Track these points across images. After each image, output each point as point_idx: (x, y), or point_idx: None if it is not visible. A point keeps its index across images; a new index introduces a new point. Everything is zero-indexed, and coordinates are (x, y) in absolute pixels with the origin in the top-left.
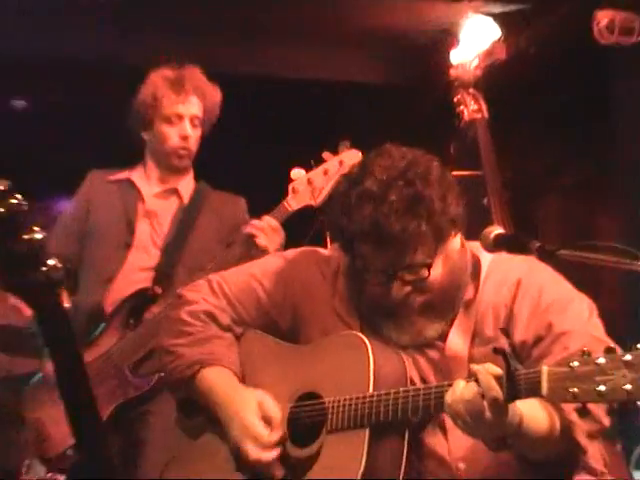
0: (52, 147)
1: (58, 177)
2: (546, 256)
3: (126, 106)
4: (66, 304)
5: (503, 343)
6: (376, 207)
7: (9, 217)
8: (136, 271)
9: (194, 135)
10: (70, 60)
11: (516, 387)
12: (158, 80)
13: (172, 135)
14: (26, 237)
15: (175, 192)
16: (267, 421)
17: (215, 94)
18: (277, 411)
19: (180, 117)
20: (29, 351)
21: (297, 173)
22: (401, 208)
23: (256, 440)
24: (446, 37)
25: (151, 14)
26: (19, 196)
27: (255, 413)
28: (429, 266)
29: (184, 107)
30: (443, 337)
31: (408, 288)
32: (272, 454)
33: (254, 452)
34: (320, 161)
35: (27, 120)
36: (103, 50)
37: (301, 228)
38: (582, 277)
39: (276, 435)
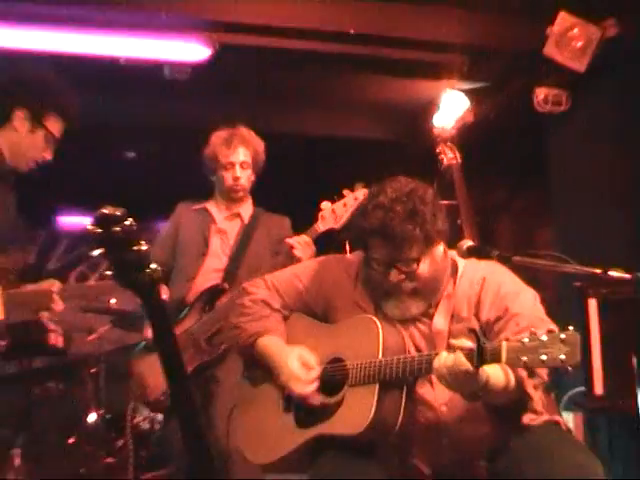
0: (152, 184)
1: (156, 205)
2: (503, 261)
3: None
4: (164, 295)
5: (474, 322)
6: (385, 214)
7: (123, 234)
8: (211, 272)
9: (244, 175)
10: (165, 124)
11: (483, 357)
12: (215, 140)
13: (228, 178)
14: (135, 248)
15: (238, 215)
16: (306, 366)
17: (258, 143)
18: (312, 357)
19: (232, 164)
20: (137, 327)
21: (325, 205)
22: (402, 216)
23: (299, 379)
24: (430, 106)
25: (215, 92)
26: (130, 219)
27: (297, 361)
28: (418, 261)
29: (234, 156)
30: (430, 317)
31: (402, 276)
32: (311, 387)
33: (298, 388)
34: (341, 197)
35: (135, 166)
36: (188, 117)
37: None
38: (528, 275)
39: (313, 374)
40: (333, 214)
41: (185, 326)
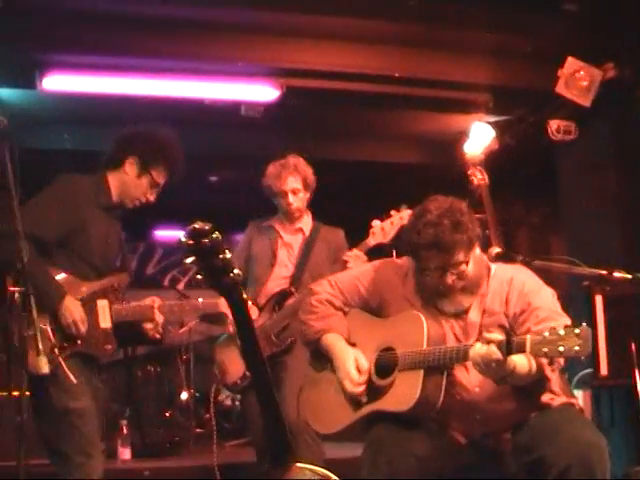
0: (230, 203)
1: (233, 220)
2: (525, 264)
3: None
4: (244, 295)
5: (502, 317)
6: (436, 229)
7: (211, 245)
8: (279, 279)
9: (296, 199)
10: (241, 153)
11: (511, 348)
12: (268, 173)
13: (283, 204)
14: (221, 256)
15: (300, 230)
16: (359, 369)
17: (306, 169)
18: (365, 363)
19: (285, 192)
20: (220, 322)
21: (375, 223)
22: (451, 228)
23: (351, 380)
24: (462, 136)
25: (283, 126)
26: (216, 232)
27: (352, 364)
28: (466, 263)
29: (284, 186)
30: (466, 312)
31: (454, 277)
32: (360, 389)
33: (350, 387)
34: (389, 216)
35: (216, 188)
36: (260, 147)
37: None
38: (545, 276)
39: (363, 378)
40: (382, 231)
41: (258, 323)
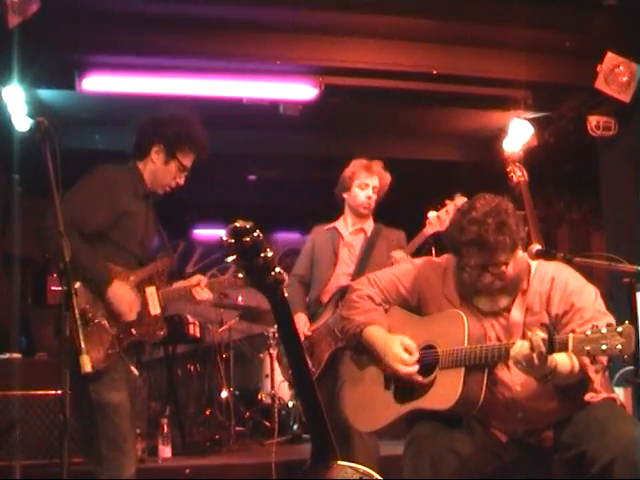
0: (269, 201)
1: (277, 220)
2: (566, 262)
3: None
4: (285, 294)
5: (544, 316)
6: (480, 227)
7: (252, 244)
8: (341, 277)
9: (373, 197)
10: (280, 152)
11: (553, 346)
12: (357, 163)
13: (362, 195)
14: (262, 255)
15: (362, 230)
16: (407, 350)
17: (386, 177)
18: (412, 343)
19: (367, 185)
20: (259, 321)
21: (431, 213)
22: (495, 228)
23: (403, 361)
24: (501, 133)
25: (322, 125)
26: (258, 230)
27: (399, 346)
28: (506, 264)
29: (371, 180)
30: (507, 311)
31: (493, 277)
32: (414, 368)
33: (403, 369)
34: (444, 205)
35: (255, 188)
36: (299, 146)
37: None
38: (584, 273)
39: (414, 357)
40: (438, 220)
41: (323, 319)
